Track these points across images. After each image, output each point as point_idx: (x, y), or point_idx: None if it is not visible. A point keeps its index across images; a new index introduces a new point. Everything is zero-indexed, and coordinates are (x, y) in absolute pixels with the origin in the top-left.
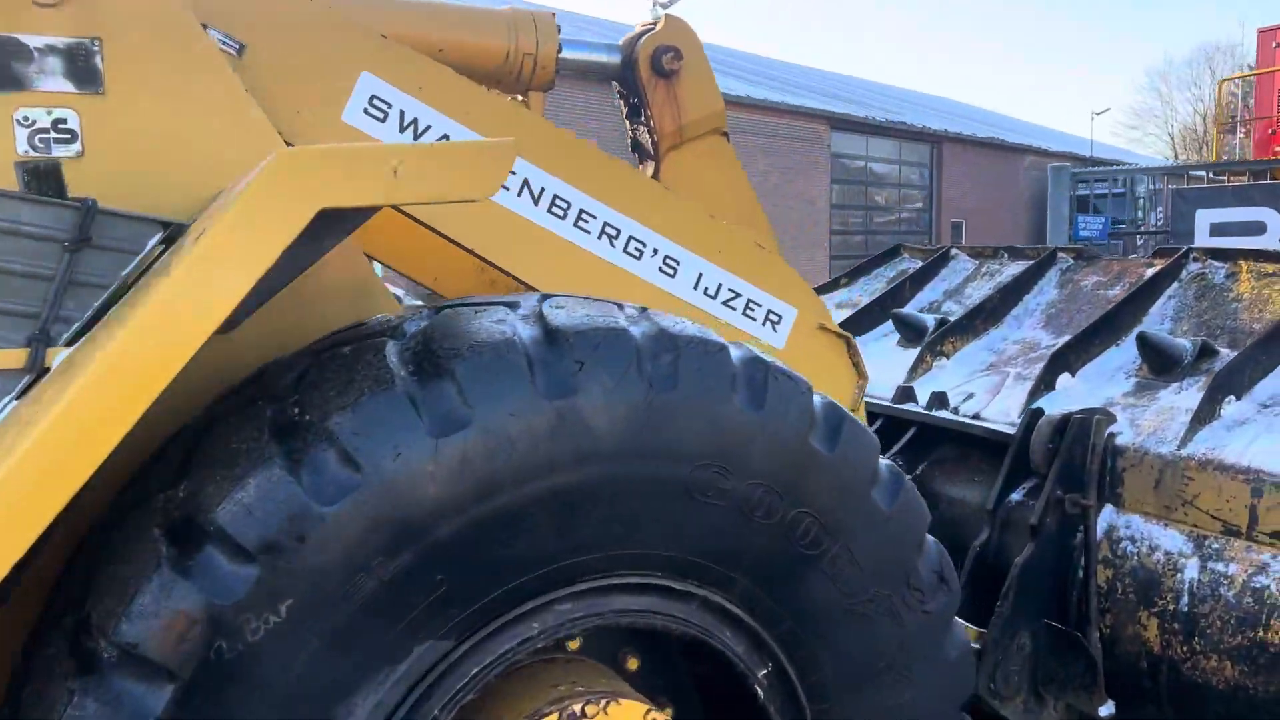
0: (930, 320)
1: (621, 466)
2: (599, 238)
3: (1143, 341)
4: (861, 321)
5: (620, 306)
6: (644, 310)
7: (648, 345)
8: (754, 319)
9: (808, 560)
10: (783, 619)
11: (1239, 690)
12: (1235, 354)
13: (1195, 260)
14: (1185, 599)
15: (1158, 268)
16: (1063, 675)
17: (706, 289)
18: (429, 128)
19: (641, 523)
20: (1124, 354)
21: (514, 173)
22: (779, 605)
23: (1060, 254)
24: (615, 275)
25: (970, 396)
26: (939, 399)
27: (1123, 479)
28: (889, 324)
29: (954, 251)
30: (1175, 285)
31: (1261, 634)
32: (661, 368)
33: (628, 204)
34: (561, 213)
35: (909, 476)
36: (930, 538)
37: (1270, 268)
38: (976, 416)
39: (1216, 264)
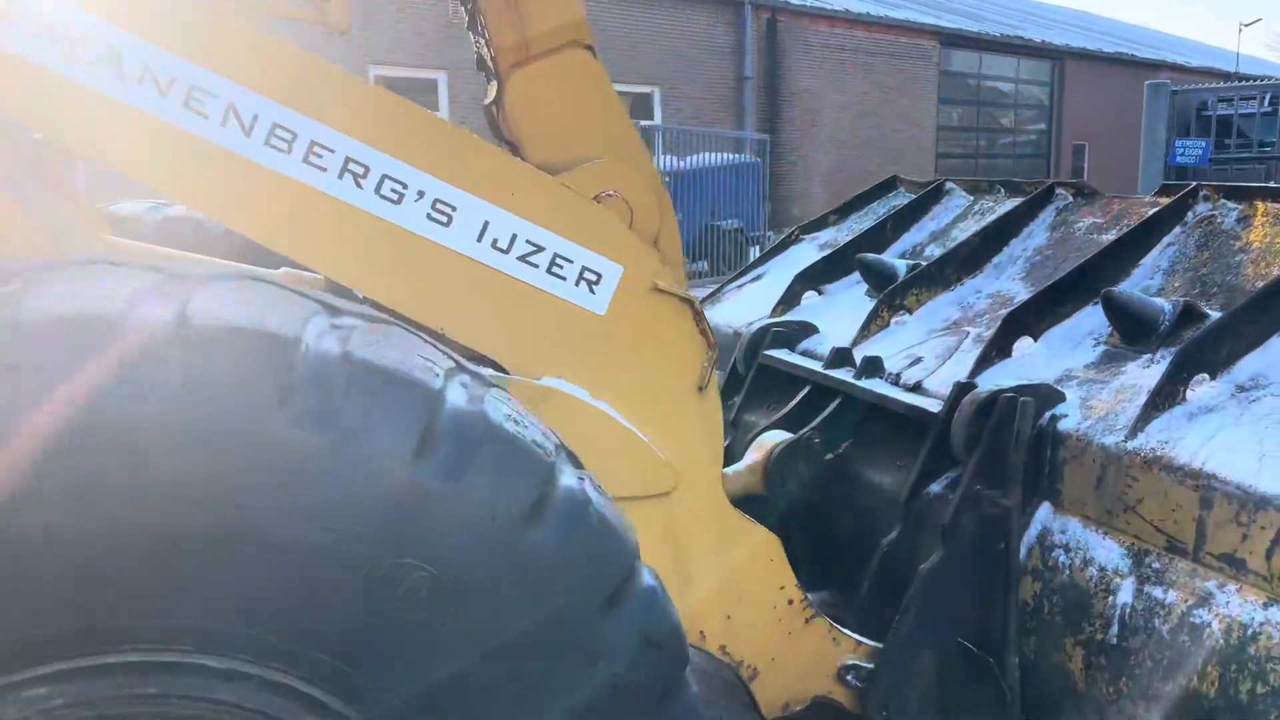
0: (902, 267)
1: (74, 512)
2: (340, 177)
3: (1108, 302)
4: (833, 267)
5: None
6: (191, 275)
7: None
8: (562, 278)
9: (418, 626)
10: (386, 702)
11: None
12: (1216, 319)
13: (1205, 199)
14: (1115, 628)
15: (1160, 208)
16: (973, 706)
17: (496, 241)
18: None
19: (142, 585)
20: (1099, 316)
21: (213, 95)
22: (379, 685)
23: (1059, 190)
24: (365, 222)
25: (917, 362)
26: (872, 365)
27: (1063, 473)
28: None
29: (949, 186)
30: (1178, 230)
31: (1195, 683)
32: (165, 370)
33: (377, 134)
34: (285, 145)
35: (830, 454)
36: (648, 581)
37: None
38: (916, 387)
39: (1230, 204)
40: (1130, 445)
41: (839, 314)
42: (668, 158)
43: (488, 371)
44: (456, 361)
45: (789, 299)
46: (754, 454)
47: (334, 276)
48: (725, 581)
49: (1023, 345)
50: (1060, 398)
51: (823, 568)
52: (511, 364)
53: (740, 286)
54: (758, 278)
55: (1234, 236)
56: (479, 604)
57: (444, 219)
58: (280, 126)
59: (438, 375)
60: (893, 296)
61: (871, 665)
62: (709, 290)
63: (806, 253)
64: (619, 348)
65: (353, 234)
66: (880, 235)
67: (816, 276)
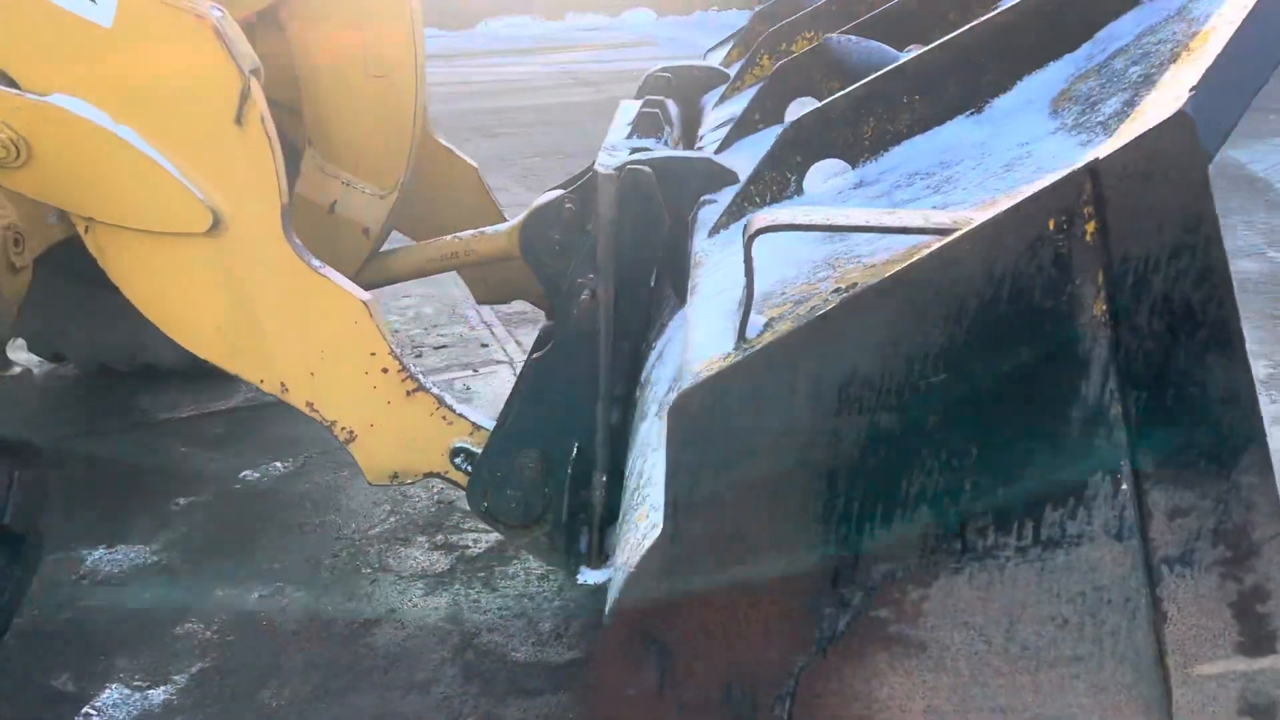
0: None
1: None
2: None
3: (824, 53)
4: None
5: None
6: None
7: None
8: None
9: None
10: None
11: None
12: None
13: None
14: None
15: None
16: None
17: None
18: None
19: None
20: None
21: None
22: None
23: None
24: None
25: (729, 124)
26: (649, 122)
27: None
28: None
29: None
30: None
31: None
32: None
33: None
34: None
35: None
36: None
37: None
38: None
39: None
40: (702, 248)
41: None
42: None
43: None
44: None
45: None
46: (523, 214)
47: None
48: (301, 336)
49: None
50: (726, 179)
51: None
52: (23, 78)
53: None
54: None
55: None
56: None
57: None
58: None
59: None
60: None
61: (478, 450)
62: None
63: None
64: (133, 68)
65: None
66: None
67: None
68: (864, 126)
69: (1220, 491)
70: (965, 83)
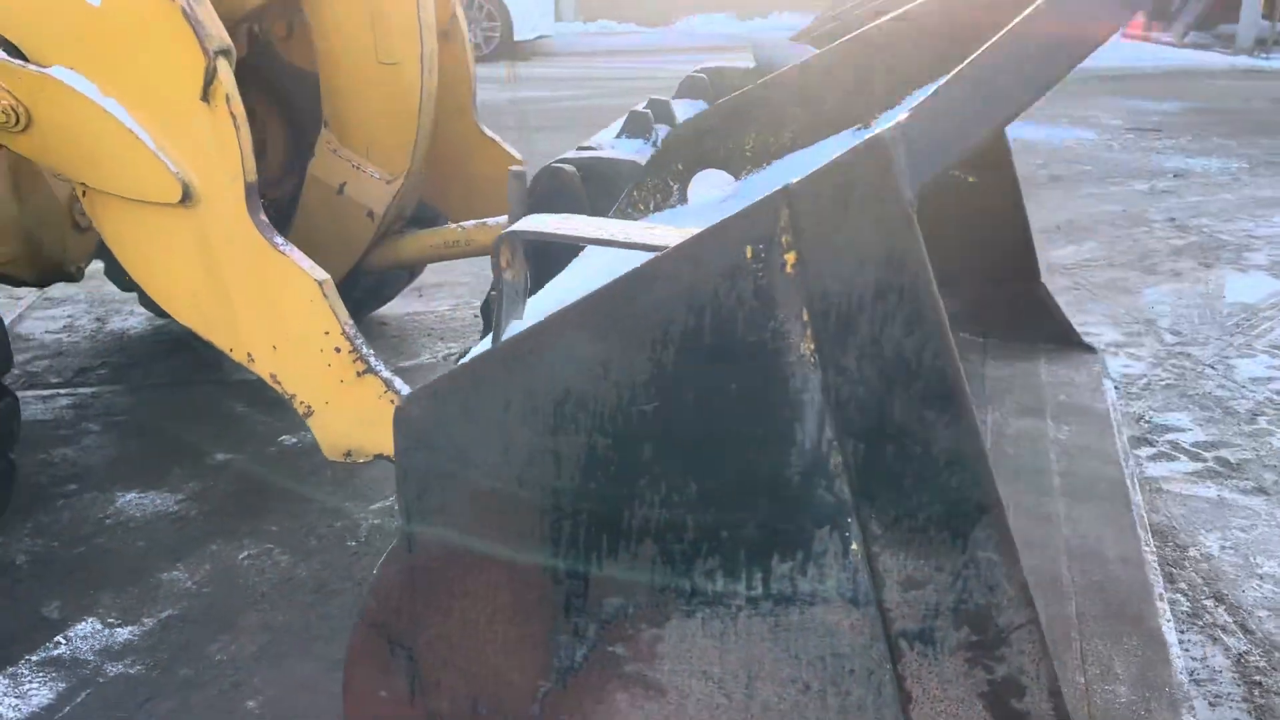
0: None
1: None
2: None
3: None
4: None
5: None
6: None
7: None
8: None
9: None
10: None
11: None
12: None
13: None
14: None
15: None
16: None
17: None
18: None
19: None
20: None
21: None
22: None
23: None
24: None
25: None
26: (637, 123)
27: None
28: None
29: None
30: None
31: None
32: None
33: None
34: None
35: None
36: None
37: None
38: None
39: None
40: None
41: None
42: None
43: None
44: None
45: None
46: None
47: None
48: (264, 309)
49: None
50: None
51: None
52: (28, 49)
53: None
54: None
55: None
56: None
57: None
58: None
59: None
60: None
61: None
62: None
63: None
64: (117, 44)
65: None
66: None
67: None
68: (744, 138)
69: (956, 566)
70: (849, 96)
